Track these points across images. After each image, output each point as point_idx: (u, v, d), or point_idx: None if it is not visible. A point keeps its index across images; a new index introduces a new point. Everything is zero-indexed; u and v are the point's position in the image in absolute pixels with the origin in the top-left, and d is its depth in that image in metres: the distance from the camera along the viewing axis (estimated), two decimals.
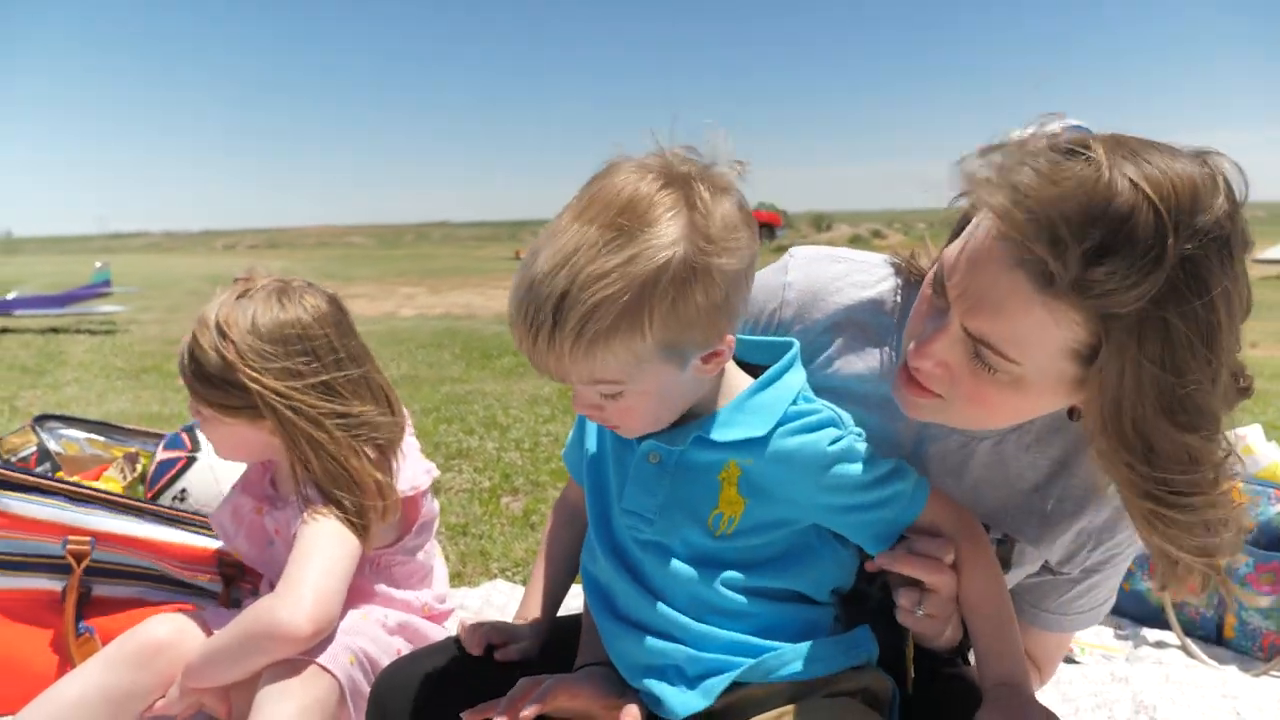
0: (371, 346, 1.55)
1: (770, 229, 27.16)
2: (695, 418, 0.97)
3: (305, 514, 1.39)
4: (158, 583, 1.79)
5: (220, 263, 25.23)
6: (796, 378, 0.99)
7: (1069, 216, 0.75)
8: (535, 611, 1.17)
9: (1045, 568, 1.10)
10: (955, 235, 0.95)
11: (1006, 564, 1.07)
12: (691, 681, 0.95)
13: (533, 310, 0.84)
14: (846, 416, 0.99)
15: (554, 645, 1.13)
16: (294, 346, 1.39)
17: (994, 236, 0.81)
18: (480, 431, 4.20)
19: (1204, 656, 1.91)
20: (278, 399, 1.37)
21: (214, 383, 1.38)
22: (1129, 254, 0.74)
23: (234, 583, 1.78)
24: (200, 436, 1.97)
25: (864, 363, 1.08)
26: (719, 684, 0.94)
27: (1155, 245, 0.74)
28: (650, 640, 0.97)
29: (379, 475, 1.43)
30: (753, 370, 1.01)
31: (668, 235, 0.83)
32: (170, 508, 1.82)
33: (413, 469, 1.52)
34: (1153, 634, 2.03)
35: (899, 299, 1.08)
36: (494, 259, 23.74)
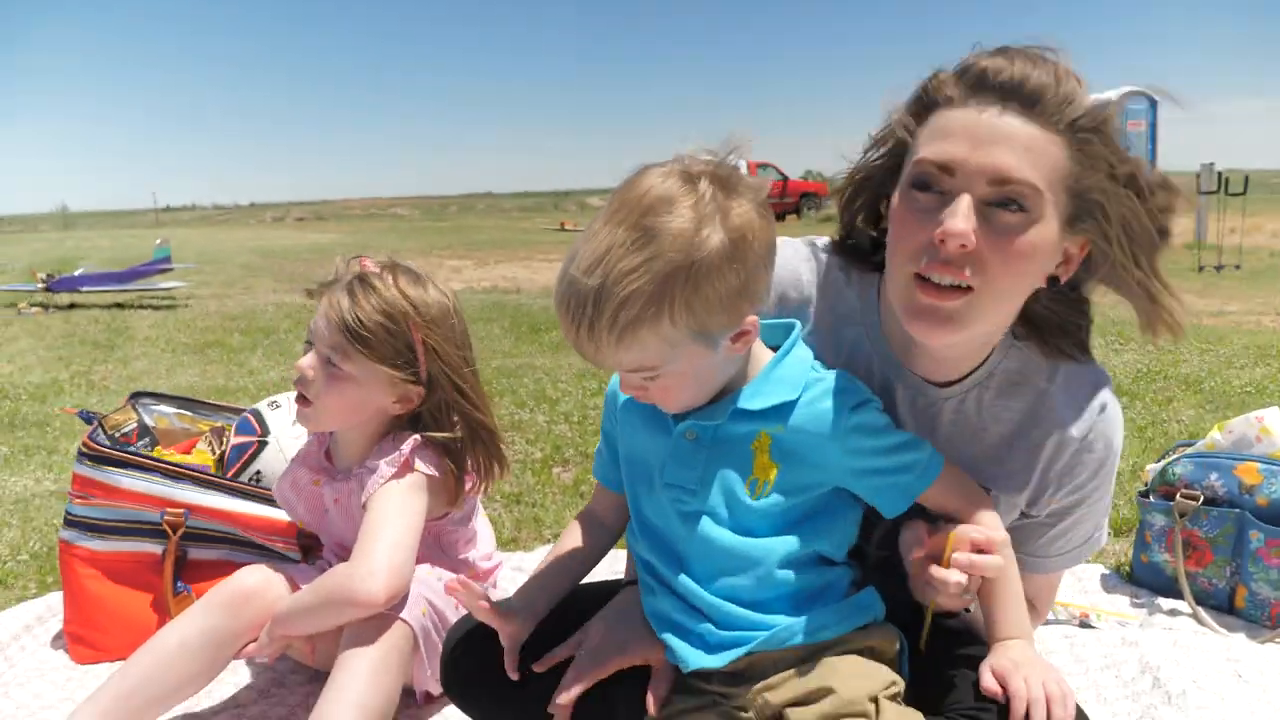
0: None
1: (817, 198, 26.52)
2: (728, 393, 1.05)
3: (373, 487, 1.50)
4: (245, 547, 1.95)
5: (269, 235, 25.71)
6: (805, 351, 1.10)
7: (1040, 71, 0.99)
8: (530, 603, 1.19)
9: (1021, 514, 1.19)
10: (868, 187, 1.12)
11: None
12: (711, 649, 1.05)
13: (574, 305, 0.94)
14: (860, 383, 1.08)
15: (566, 617, 1.20)
16: (448, 321, 1.54)
17: (974, 107, 0.99)
18: (531, 404, 4.28)
19: (1214, 624, 2.00)
20: (444, 359, 1.52)
21: (379, 336, 1.48)
22: (1066, 86, 0.99)
23: (311, 552, 1.93)
24: (268, 421, 2.11)
25: (836, 335, 1.18)
26: (733, 654, 1.04)
27: (1073, 89, 1.00)
28: (680, 612, 1.07)
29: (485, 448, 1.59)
30: None
31: (686, 232, 0.93)
32: (252, 484, 1.98)
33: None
34: (1167, 603, 2.13)
35: (828, 272, 1.21)
36: (538, 230, 23.45)
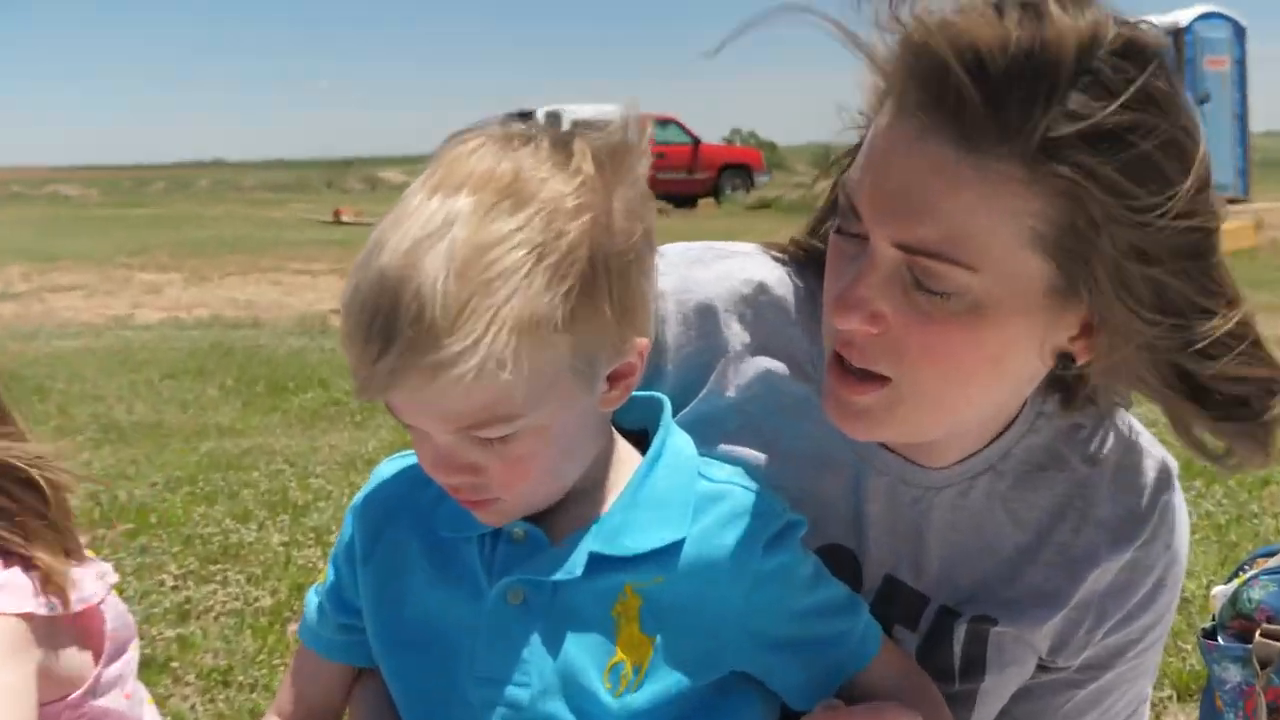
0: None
1: (747, 172, 19.44)
2: (578, 521, 0.84)
3: None
4: None
5: None
6: (683, 442, 0.90)
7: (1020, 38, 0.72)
8: None
9: (1040, 665, 1.00)
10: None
11: (981, 666, 0.97)
12: None
13: (387, 310, 0.71)
14: (775, 498, 0.89)
15: None
16: None
17: (894, 115, 0.77)
18: (261, 515, 3.47)
19: None
20: None
21: None
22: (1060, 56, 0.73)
23: None
24: None
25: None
26: None
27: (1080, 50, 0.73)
28: None
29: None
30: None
31: (572, 196, 0.76)
32: None
33: (78, 577, 1.19)
34: None
35: (795, 295, 0.99)
36: (296, 223, 18.00)
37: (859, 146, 0.87)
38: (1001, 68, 0.70)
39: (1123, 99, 0.70)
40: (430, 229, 0.72)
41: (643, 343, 0.82)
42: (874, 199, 0.78)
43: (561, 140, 0.79)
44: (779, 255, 1.01)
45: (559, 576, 0.82)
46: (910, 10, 0.76)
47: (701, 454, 0.91)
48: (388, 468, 0.96)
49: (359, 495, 0.96)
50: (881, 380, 0.81)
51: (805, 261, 0.99)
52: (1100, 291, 0.77)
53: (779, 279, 1.00)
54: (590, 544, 0.83)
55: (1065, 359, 0.84)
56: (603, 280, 0.77)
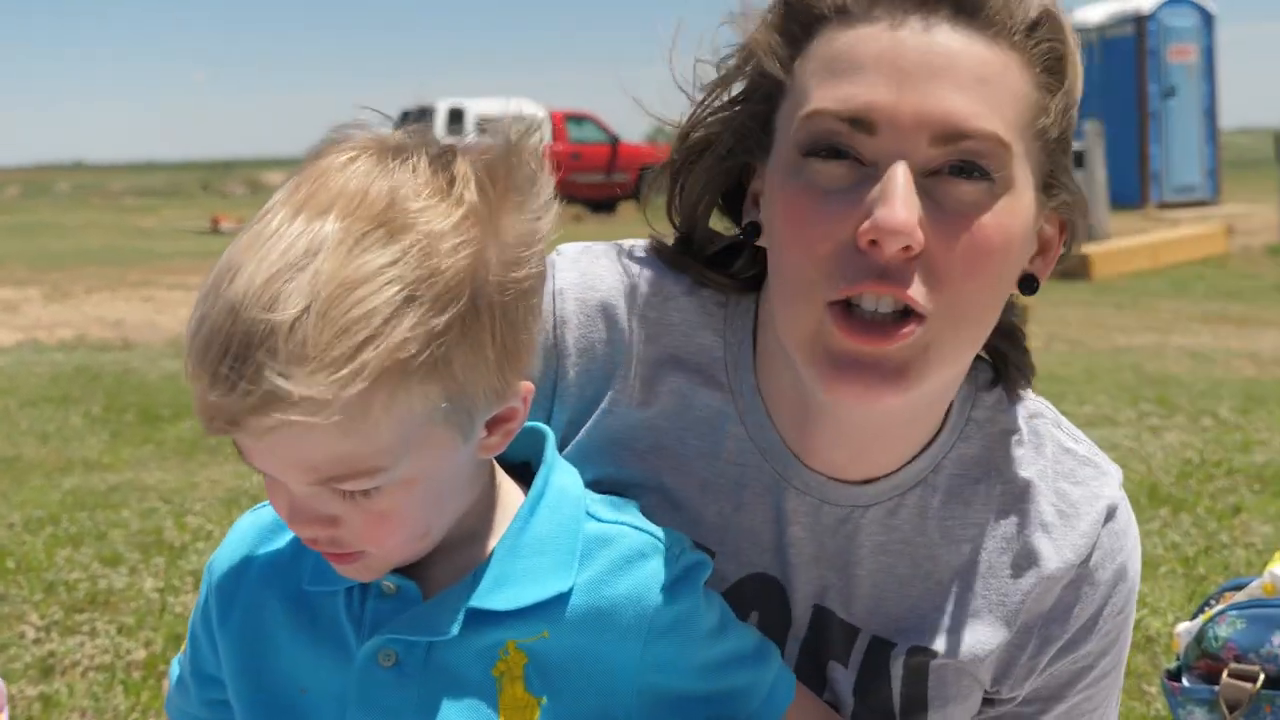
0: None
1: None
2: (455, 572, 0.81)
3: None
4: None
5: None
6: (568, 479, 0.86)
7: None
8: None
9: (986, 698, 0.97)
10: (715, 154, 0.89)
11: (923, 704, 0.94)
12: None
13: (238, 349, 0.67)
14: (676, 537, 0.85)
15: None
16: None
17: (883, 22, 0.80)
18: (133, 559, 3.22)
19: None
20: None
21: None
22: None
23: None
24: None
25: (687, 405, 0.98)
26: None
27: None
28: None
29: None
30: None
31: (453, 228, 0.72)
32: None
33: None
34: None
35: (700, 296, 0.96)
36: (169, 233, 17.41)
37: (711, 129, 0.89)
38: None
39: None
40: (291, 258, 0.68)
41: (527, 387, 0.80)
42: (901, 89, 0.78)
43: (442, 160, 0.74)
44: (659, 246, 0.98)
45: (433, 637, 0.79)
46: None
47: (598, 478, 0.88)
48: (247, 520, 0.92)
49: (215, 553, 0.92)
50: (913, 321, 0.78)
51: (684, 261, 0.95)
52: (1064, 186, 0.84)
53: (684, 279, 0.96)
54: (467, 598, 0.79)
55: (1026, 282, 0.87)
56: (485, 321, 0.73)
